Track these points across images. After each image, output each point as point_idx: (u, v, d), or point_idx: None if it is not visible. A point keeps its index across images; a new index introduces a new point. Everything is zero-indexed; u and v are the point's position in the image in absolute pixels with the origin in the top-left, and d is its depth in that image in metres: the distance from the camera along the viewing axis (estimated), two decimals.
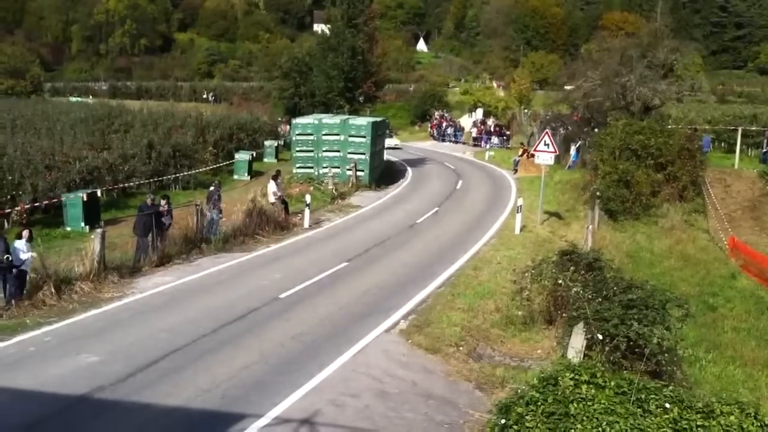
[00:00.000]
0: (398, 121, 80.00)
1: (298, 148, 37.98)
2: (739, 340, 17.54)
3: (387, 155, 47.28)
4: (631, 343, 11.95)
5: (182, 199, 30.54)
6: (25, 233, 16.41)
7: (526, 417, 8.19)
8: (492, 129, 67.55)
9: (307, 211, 27.44)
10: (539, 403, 8.31)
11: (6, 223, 23.22)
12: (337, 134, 37.40)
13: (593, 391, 8.38)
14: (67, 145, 32.30)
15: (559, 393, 8.40)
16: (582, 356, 11.54)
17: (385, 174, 42.18)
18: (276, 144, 48.91)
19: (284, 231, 25.90)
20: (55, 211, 25.73)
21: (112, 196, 30.14)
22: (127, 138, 37.15)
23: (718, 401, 8.25)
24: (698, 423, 7.92)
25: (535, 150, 30.30)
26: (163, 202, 21.28)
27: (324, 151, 37.31)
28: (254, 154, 42.33)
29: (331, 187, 34.87)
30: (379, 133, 40.64)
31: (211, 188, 25.09)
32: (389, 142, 54.25)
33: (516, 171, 44.81)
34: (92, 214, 24.84)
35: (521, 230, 26.75)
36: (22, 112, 50.48)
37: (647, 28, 54.65)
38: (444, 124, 72.77)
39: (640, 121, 35.01)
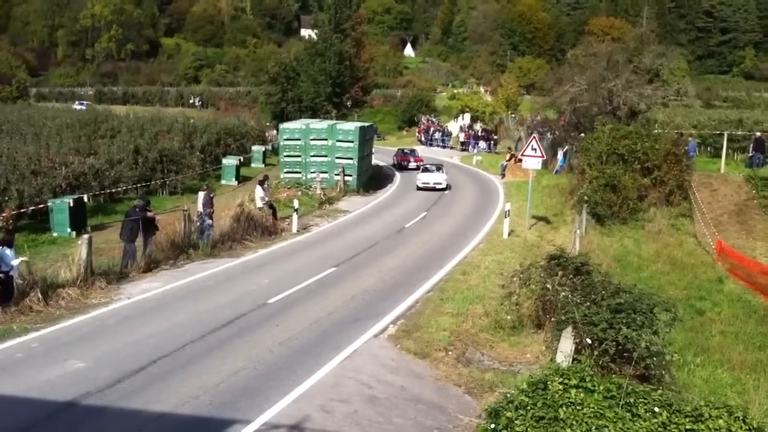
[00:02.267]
0: (386, 126, 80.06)
1: (285, 153, 37.95)
2: (726, 343, 17.61)
3: (375, 160, 47.29)
4: (620, 347, 11.98)
5: (169, 205, 30.47)
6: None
7: (516, 421, 8.21)
8: (479, 134, 67.71)
9: (295, 216, 27.40)
10: (528, 408, 8.32)
11: None
12: (325, 139, 37.40)
13: (582, 395, 8.40)
14: (53, 151, 32.18)
15: (549, 397, 8.42)
16: (571, 360, 11.54)
17: (373, 179, 42.21)
18: (263, 149, 48.87)
19: (272, 236, 25.86)
20: (42, 217, 25.58)
21: (99, 202, 30.01)
22: (113, 143, 37.03)
23: (706, 405, 8.28)
24: (687, 427, 7.95)
25: (522, 155, 30.39)
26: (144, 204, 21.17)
27: (312, 156, 37.29)
28: (242, 159, 42.27)
29: (319, 192, 34.85)
30: (366, 137, 40.65)
31: (207, 192, 24.89)
32: (434, 177, 39.57)
33: (503, 176, 44.89)
34: (79, 219, 24.73)
35: (509, 235, 26.79)
36: (8, 118, 50.22)
37: (633, 33, 54.94)
38: (431, 129, 72.88)
39: (626, 125, 35.15)
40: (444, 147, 67.99)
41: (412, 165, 47.66)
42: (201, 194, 25.05)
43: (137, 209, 20.77)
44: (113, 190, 31.20)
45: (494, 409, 8.65)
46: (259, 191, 27.16)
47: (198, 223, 23.43)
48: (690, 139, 39.35)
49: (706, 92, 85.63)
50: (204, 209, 24.06)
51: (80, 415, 10.94)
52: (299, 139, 37.49)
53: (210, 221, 23.85)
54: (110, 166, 31.64)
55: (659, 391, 8.68)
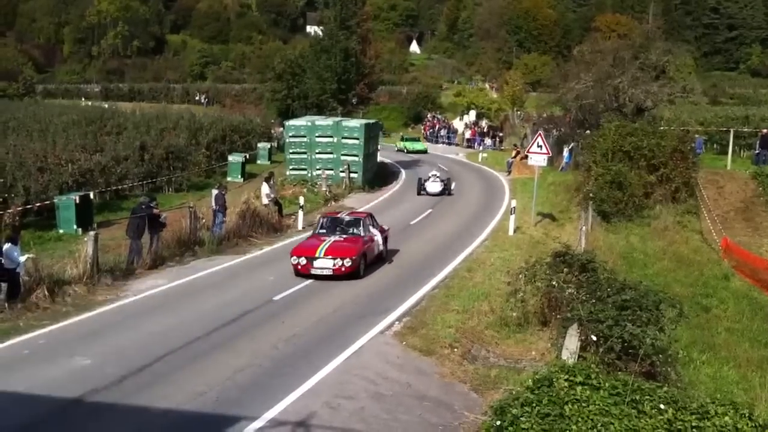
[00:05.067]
0: (391, 123, 79.91)
1: (291, 150, 37.97)
2: (732, 341, 17.56)
3: (380, 157, 47.28)
4: (626, 344, 11.97)
5: (175, 201, 30.51)
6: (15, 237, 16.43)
7: (521, 418, 8.19)
8: (485, 131, 67.65)
9: (300, 213, 27.44)
10: (534, 405, 8.31)
11: None
12: (331, 136, 37.39)
13: (588, 392, 8.40)
14: (59, 148, 32.18)
15: (554, 394, 8.41)
16: (576, 357, 11.54)
17: (378, 176, 42.18)
18: (269, 146, 48.86)
19: (278, 233, 25.90)
20: (48, 214, 25.64)
21: (105, 199, 30.04)
22: (119, 140, 37.08)
23: (712, 402, 8.27)
24: (693, 424, 7.93)
25: (528, 152, 30.34)
26: (152, 203, 21.23)
27: (317, 153, 37.29)
28: (247, 156, 42.28)
29: (324, 189, 34.86)
30: (372, 134, 40.63)
31: (220, 191, 24.90)
32: None
33: (509, 173, 44.85)
34: (85, 216, 24.78)
35: (515, 232, 26.77)
36: (14, 114, 50.30)
37: (639, 29, 54.92)
38: (437, 126, 72.84)
39: (632, 122, 35.04)
40: (449, 144, 67.99)
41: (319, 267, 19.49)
42: (214, 192, 25.12)
43: (143, 206, 20.82)
44: (119, 187, 31.25)
45: (500, 406, 8.64)
46: (264, 188, 27.23)
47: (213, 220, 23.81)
48: (696, 136, 39.23)
49: (713, 89, 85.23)
50: (216, 206, 24.22)
51: (86, 412, 10.98)
52: (305, 136, 37.52)
53: (221, 218, 24.02)
54: (116, 163, 31.68)
55: (665, 388, 8.68)
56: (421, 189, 36.27)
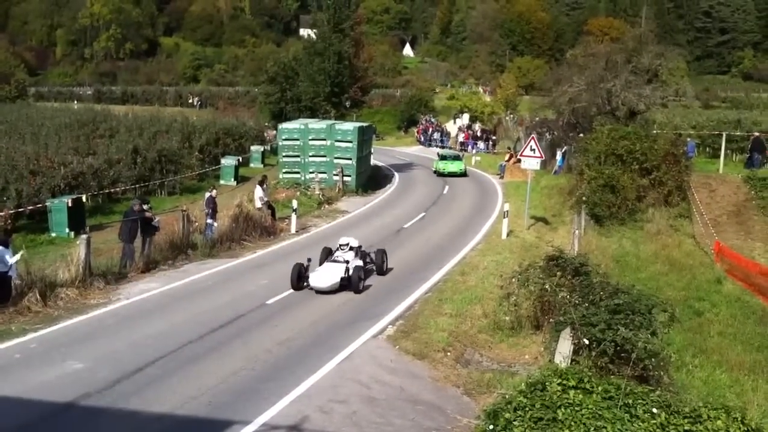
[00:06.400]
0: (385, 126, 79.95)
1: (284, 154, 37.97)
2: (725, 344, 17.59)
3: (374, 161, 47.27)
4: (618, 347, 11.98)
5: (168, 205, 30.47)
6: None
7: (514, 422, 8.21)
8: (478, 134, 67.74)
9: (293, 217, 27.41)
10: (527, 409, 8.33)
11: None
12: (324, 139, 37.41)
13: (581, 396, 8.42)
14: (51, 150, 32.16)
15: (547, 398, 8.43)
16: (569, 361, 11.55)
17: (372, 179, 42.19)
18: (262, 149, 48.85)
19: (271, 236, 25.86)
20: (40, 217, 25.57)
21: (98, 202, 30.00)
22: (112, 143, 37.01)
23: (705, 406, 8.30)
24: (685, 428, 7.97)
25: (521, 155, 30.39)
26: (145, 206, 21.21)
27: (310, 156, 37.29)
28: (240, 159, 42.26)
29: (317, 192, 34.85)
30: (365, 138, 40.65)
31: (210, 194, 24.93)
32: None
33: (502, 176, 44.89)
34: (77, 219, 24.73)
35: (508, 235, 26.78)
36: (7, 117, 50.20)
37: (632, 33, 54.71)
38: (430, 130, 72.90)
39: (625, 126, 35.14)
40: (443, 147, 68.02)
41: None
42: (207, 195, 25.16)
43: (135, 209, 20.78)
44: (112, 190, 31.20)
45: (493, 410, 8.65)
46: (258, 191, 27.21)
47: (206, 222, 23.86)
48: (689, 139, 39.34)
49: (705, 93, 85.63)
50: (206, 209, 24.25)
51: (79, 416, 10.96)
52: (298, 139, 37.52)
53: (211, 221, 24.04)
54: (109, 166, 31.63)
55: (657, 392, 8.71)
56: (299, 279, 18.60)
